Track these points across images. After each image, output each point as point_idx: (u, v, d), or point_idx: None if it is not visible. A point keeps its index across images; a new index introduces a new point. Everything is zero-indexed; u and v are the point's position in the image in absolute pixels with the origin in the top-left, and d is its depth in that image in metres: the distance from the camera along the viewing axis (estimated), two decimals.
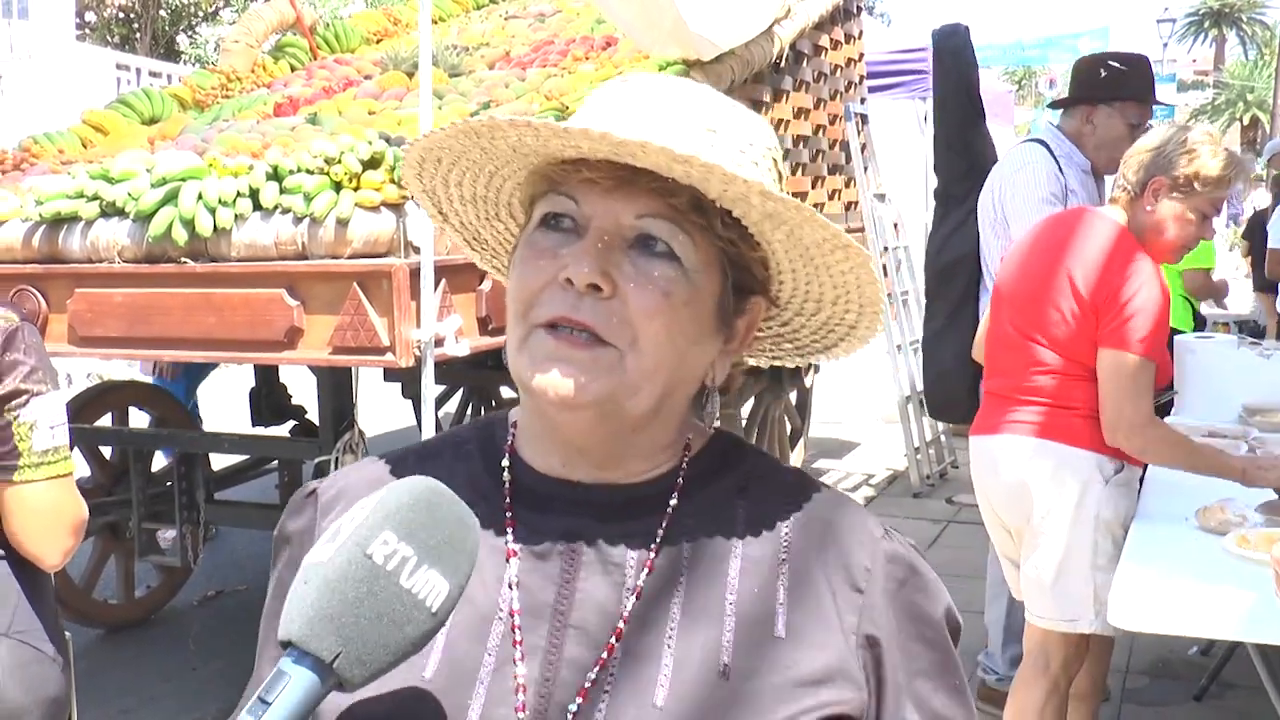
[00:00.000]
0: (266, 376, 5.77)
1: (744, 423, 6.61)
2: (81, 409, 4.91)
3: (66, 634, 2.12)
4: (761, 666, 0.92)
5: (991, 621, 4.07)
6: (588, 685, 0.91)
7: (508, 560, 0.97)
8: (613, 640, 0.93)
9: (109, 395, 5.26)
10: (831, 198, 6.68)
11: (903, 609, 0.99)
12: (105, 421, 5.11)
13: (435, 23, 6.68)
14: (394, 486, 0.87)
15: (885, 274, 7.03)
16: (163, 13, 29.09)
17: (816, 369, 7.48)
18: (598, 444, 0.99)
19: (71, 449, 2.09)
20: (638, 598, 0.95)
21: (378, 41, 6.77)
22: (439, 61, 5.25)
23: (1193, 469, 2.91)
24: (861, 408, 9.34)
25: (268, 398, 5.73)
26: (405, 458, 1.09)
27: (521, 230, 1.01)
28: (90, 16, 31.49)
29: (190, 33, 29.39)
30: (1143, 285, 2.83)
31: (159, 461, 5.29)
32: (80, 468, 5.19)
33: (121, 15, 30.05)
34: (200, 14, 29.12)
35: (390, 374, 5.55)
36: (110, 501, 4.89)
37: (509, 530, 0.99)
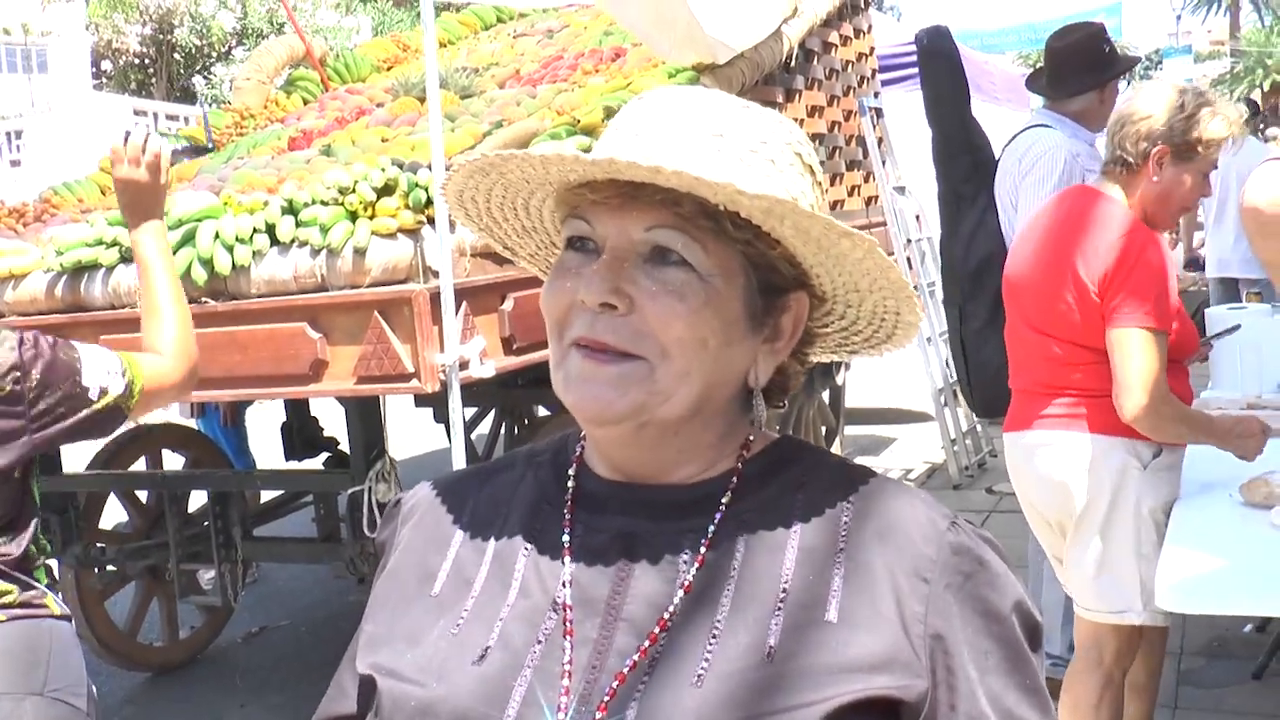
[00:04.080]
0: (298, 411, 5.78)
1: (778, 425, 6.59)
2: (115, 455, 4.93)
3: (92, 688, 2.11)
4: (808, 649, 0.92)
5: (1048, 605, 3.99)
6: (627, 669, 0.94)
7: (564, 559, 1.01)
8: (656, 630, 0.95)
9: (142, 440, 5.27)
10: (851, 193, 6.64)
11: (969, 603, 0.98)
12: (140, 466, 5.13)
13: (444, 46, 6.69)
14: None
15: (910, 267, 6.97)
16: (177, 56, 29.40)
17: (847, 366, 7.44)
18: (639, 452, 1.02)
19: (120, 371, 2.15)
20: (685, 591, 0.97)
21: (388, 69, 6.80)
22: (449, 84, 5.26)
23: (1205, 442, 2.86)
24: (895, 403, 9.27)
25: (300, 432, 5.74)
26: (480, 470, 1.16)
27: None
28: (106, 65, 31.89)
29: (205, 74, 29.68)
30: (1139, 258, 2.76)
31: (198, 501, 5.31)
32: (117, 514, 5.25)
33: (137, 61, 30.40)
34: (214, 55, 29.42)
35: (421, 400, 5.55)
36: (149, 545, 4.91)
37: (566, 531, 1.03)
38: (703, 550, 0.99)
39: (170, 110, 18.91)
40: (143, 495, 5.13)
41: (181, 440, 5.54)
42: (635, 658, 0.94)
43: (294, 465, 5.74)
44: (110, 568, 4.86)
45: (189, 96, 28.29)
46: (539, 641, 0.97)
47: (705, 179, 0.89)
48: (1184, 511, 2.76)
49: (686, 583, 0.97)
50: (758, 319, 1.01)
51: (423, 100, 5.22)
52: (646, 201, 0.95)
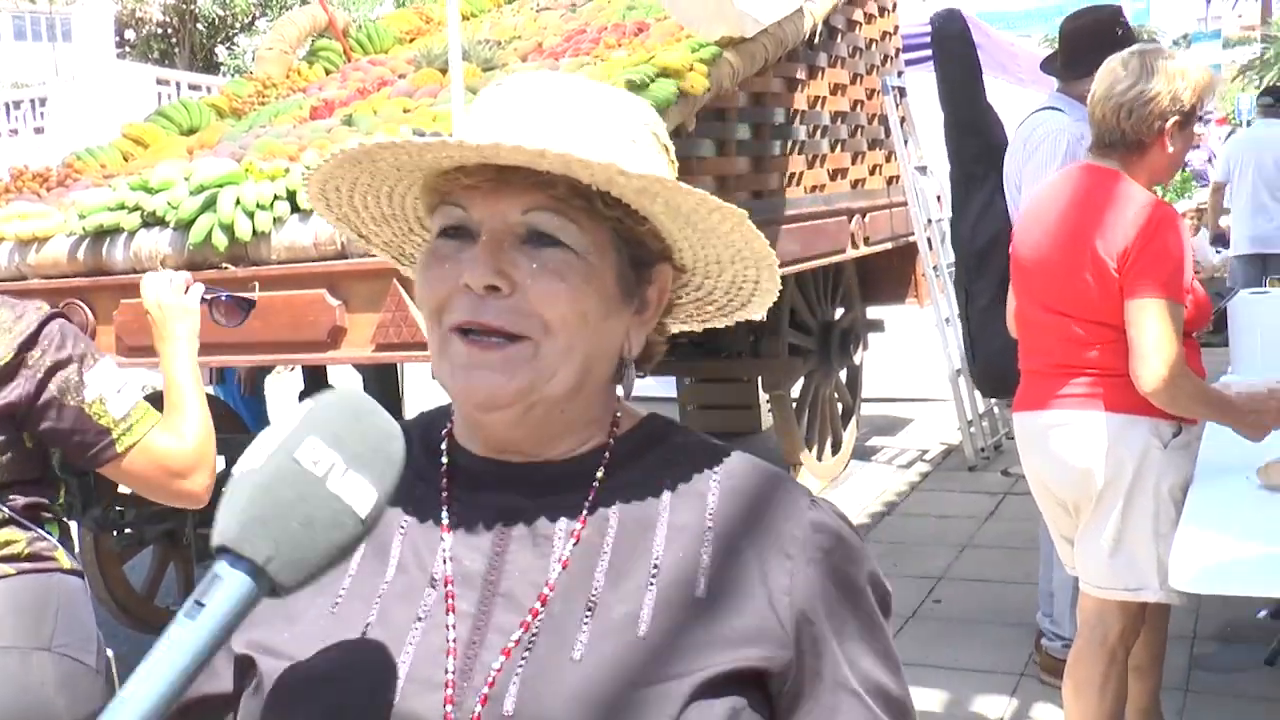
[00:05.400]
0: (315, 379, 5.80)
1: (794, 404, 6.59)
2: None
3: (108, 650, 2.10)
4: (680, 625, 0.96)
5: (1059, 585, 3.99)
6: (510, 645, 0.95)
7: (442, 536, 1.02)
8: (537, 605, 0.97)
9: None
10: (873, 173, 6.62)
11: (830, 576, 1.01)
12: None
13: (467, 18, 6.68)
14: (320, 397, 0.89)
15: (930, 247, 6.95)
16: (200, 26, 29.44)
17: (865, 346, 7.43)
18: (525, 434, 1.04)
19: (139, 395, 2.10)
20: (564, 567, 0.99)
21: (410, 41, 6.79)
22: (472, 56, 5.25)
23: (1217, 420, 2.88)
24: (912, 383, 9.26)
25: None
26: None
27: None
28: (130, 34, 31.96)
29: (228, 44, 29.71)
30: (1157, 232, 2.77)
31: None
32: None
33: (160, 31, 30.48)
34: (237, 25, 29.43)
35: None
36: (166, 510, 4.93)
37: (444, 508, 1.04)
38: (578, 526, 1.01)
39: (193, 80, 18.94)
40: None
41: None
42: (518, 634, 0.96)
43: None
44: (128, 531, 4.89)
45: (211, 66, 28.33)
46: (419, 619, 0.98)
47: (589, 160, 0.92)
48: (1201, 492, 2.75)
49: (564, 558, 0.99)
50: (630, 292, 1.04)
51: (445, 72, 5.21)
52: (520, 184, 0.98)
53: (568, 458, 1.05)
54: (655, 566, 0.98)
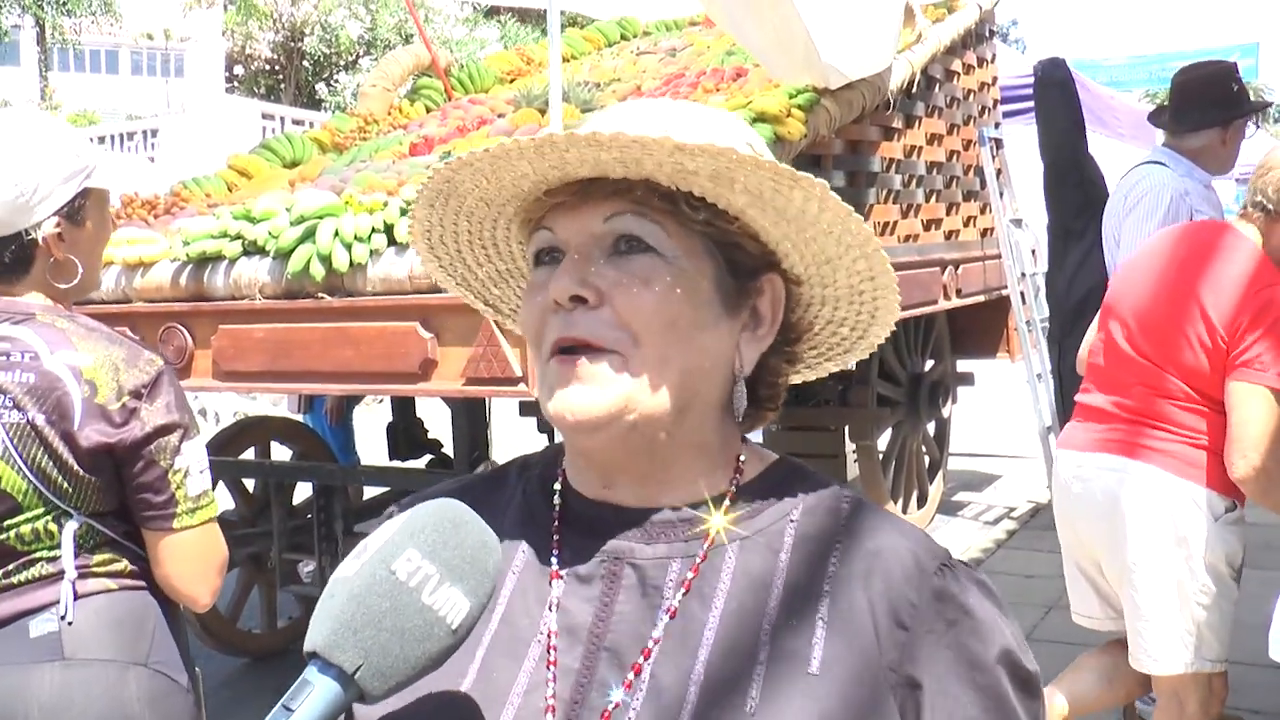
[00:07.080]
0: (403, 411, 5.87)
1: (881, 456, 6.51)
2: (226, 444, 5.06)
3: (196, 668, 2.12)
4: (790, 701, 0.89)
5: None
6: (610, 708, 0.91)
7: (550, 583, 0.98)
8: (640, 661, 0.92)
9: (251, 430, 5.40)
10: (967, 224, 6.55)
11: (952, 651, 0.94)
12: (248, 456, 5.25)
13: (567, 61, 6.76)
14: (420, 507, 0.89)
15: (1024, 301, 6.84)
16: (305, 63, 30.17)
17: (955, 400, 7.33)
18: (631, 460, 0.98)
19: (215, 486, 2.13)
20: (671, 618, 0.94)
21: (511, 81, 6.88)
22: (571, 97, 5.30)
23: None
24: (1001, 439, 9.10)
25: (404, 431, 5.83)
26: (475, 484, 1.11)
27: None
28: (239, 70, 32.87)
29: (331, 81, 30.40)
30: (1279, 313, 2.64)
31: (302, 494, 5.40)
32: (224, 501, 5.38)
33: (267, 68, 31.31)
34: (340, 63, 30.12)
35: (526, 409, 5.61)
36: (253, 533, 5.02)
37: (554, 553, 1.00)
38: (690, 576, 0.95)
39: (297, 115, 19.40)
40: (250, 484, 5.25)
41: (290, 433, 5.66)
42: (619, 695, 0.91)
43: (398, 465, 5.83)
44: None
45: (314, 103, 29.01)
46: (523, 675, 0.94)
47: (643, 136, 0.88)
48: None
49: (671, 608, 0.94)
50: (732, 301, 0.98)
51: (544, 112, 5.28)
52: (601, 194, 0.95)
53: (685, 503, 0.99)
54: (767, 633, 0.92)
